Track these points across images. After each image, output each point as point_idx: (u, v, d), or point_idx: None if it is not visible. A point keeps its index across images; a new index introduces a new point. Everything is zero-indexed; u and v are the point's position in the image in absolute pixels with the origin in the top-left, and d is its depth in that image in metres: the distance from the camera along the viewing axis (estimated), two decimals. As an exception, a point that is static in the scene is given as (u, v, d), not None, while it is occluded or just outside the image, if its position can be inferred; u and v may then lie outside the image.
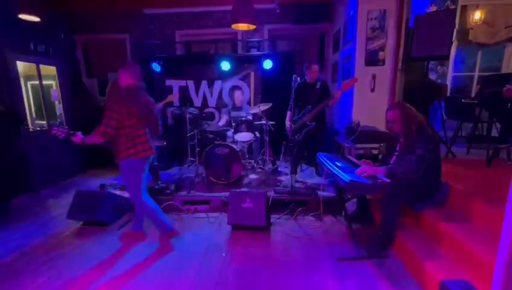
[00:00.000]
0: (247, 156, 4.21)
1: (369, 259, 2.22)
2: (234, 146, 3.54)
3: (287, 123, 3.60)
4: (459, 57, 4.65)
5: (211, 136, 4.02)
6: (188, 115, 4.14)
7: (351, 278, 2.02)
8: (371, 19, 3.61)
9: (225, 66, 4.55)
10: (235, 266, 2.21)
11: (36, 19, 3.20)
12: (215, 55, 4.77)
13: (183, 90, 4.96)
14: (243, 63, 4.83)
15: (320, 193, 3.09)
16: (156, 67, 4.58)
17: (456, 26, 3.72)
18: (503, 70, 4.50)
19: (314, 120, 3.40)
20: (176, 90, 4.98)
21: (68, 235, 2.76)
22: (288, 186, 3.23)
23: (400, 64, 3.61)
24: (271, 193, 3.10)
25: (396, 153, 2.42)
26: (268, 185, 3.46)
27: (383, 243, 2.27)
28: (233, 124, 4.03)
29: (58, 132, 2.22)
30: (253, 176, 3.84)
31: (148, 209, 2.44)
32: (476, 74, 4.68)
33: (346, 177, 2.05)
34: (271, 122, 3.90)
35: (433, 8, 4.17)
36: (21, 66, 4.04)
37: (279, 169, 4.13)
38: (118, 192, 3.25)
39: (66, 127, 2.28)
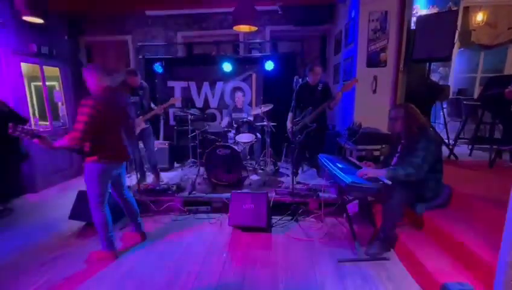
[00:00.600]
0: (248, 157, 4.21)
1: (370, 260, 2.21)
2: (235, 147, 3.55)
3: (288, 125, 3.60)
4: (462, 58, 4.64)
5: (213, 137, 4.03)
6: (189, 116, 4.16)
7: (351, 279, 2.01)
8: (373, 20, 3.61)
9: (227, 67, 4.57)
10: (236, 266, 2.21)
11: (40, 20, 3.22)
12: (217, 57, 4.79)
13: (185, 92, 4.99)
14: (244, 64, 4.85)
15: (321, 194, 3.09)
16: (158, 68, 4.60)
17: (458, 28, 3.71)
18: (506, 72, 4.48)
19: (315, 121, 3.39)
20: (177, 92, 5.00)
21: (70, 236, 2.77)
22: (290, 187, 3.22)
23: (401, 65, 3.61)
24: (272, 194, 3.10)
25: (397, 155, 2.42)
26: (269, 186, 3.45)
27: (384, 245, 2.26)
28: (235, 125, 4.04)
29: (17, 132, 1.90)
30: (254, 177, 3.84)
31: (101, 221, 2.24)
32: (479, 75, 4.66)
33: (347, 178, 2.05)
34: (272, 124, 3.90)
35: (434, 10, 4.16)
36: (25, 67, 4.08)
37: (280, 170, 4.13)
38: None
39: (33, 129, 2.04)
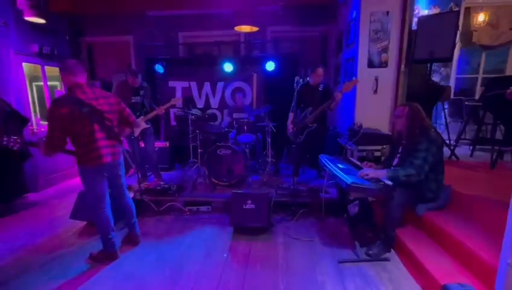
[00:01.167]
0: (249, 157, 4.21)
1: (370, 261, 2.21)
2: (236, 147, 3.55)
3: (289, 125, 3.60)
4: (463, 59, 4.63)
5: (213, 137, 4.03)
6: (190, 116, 4.17)
7: (352, 280, 2.01)
8: (374, 20, 3.60)
9: (228, 67, 4.57)
10: (237, 267, 2.21)
11: (42, 21, 3.24)
12: (218, 57, 4.79)
13: (186, 92, 4.99)
14: (245, 64, 4.85)
15: (322, 194, 3.08)
16: (159, 68, 4.61)
17: (460, 28, 3.71)
18: (508, 73, 4.47)
19: (315, 122, 3.39)
20: (178, 92, 5.01)
21: (71, 236, 2.78)
22: (290, 188, 3.22)
23: (402, 66, 3.60)
24: (273, 195, 3.10)
25: (398, 156, 2.41)
26: (270, 187, 3.45)
27: (384, 245, 2.26)
28: (236, 126, 4.04)
29: (10, 142, 1.90)
30: (255, 178, 3.84)
31: (100, 222, 2.23)
32: (480, 76, 4.65)
33: (348, 179, 2.05)
34: (273, 124, 3.90)
35: (436, 10, 4.16)
36: (26, 67, 4.10)
37: (281, 171, 4.12)
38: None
39: (18, 138, 1.99)
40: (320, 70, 3.38)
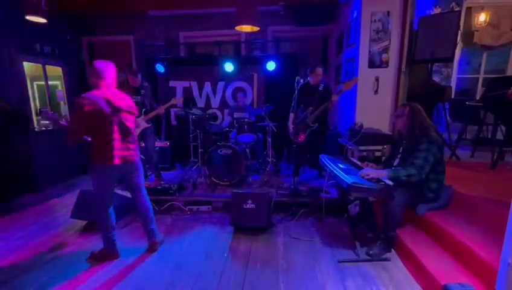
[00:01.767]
0: (249, 157, 4.21)
1: (370, 261, 2.21)
2: (237, 147, 3.55)
3: (290, 125, 3.60)
4: (464, 59, 4.62)
5: (214, 137, 4.03)
6: (191, 116, 4.17)
7: (352, 280, 2.01)
8: (375, 20, 3.60)
9: (228, 67, 4.57)
10: (237, 266, 2.21)
11: (43, 20, 3.24)
12: (219, 57, 4.80)
13: (187, 91, 5.00)
14: (246, 64, 4.85)
15: (322, 194, 3.08)
16: (160, 68, 4.62)
17: (461, 28, 3.70)
18: (509, 73, 4.46)
19: (316, 121, 3.39)
20: (179, 91, 5.01)
21: (71, 235, 2.78)
22: (291, 187, 3.23)
23: (403, 66, 3.60)
24: (273, 194, 3.10)
25: (399, 156, 2.41)
26: (270, 187, 3.46)
27: (384, 245, 2.26)
28: (236, 125, 4.05)
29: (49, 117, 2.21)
30: (255, 177, 3.84)
31: (102, 221, 2.25)
32: (481, 76, 4.64)
33: (348, 179, 2.05)
34: (274, 124, 3.90)
35: (437, 10, 4.15)
36: (27, 66, 4.10)
37: (281, 170, 4.13)
38: (120, 192, 3.27)
39: (55, 115, 2.25)
40: (319, 70, 3.38)
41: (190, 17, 5.40)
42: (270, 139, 3.93)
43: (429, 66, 3.45)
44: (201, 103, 5.03)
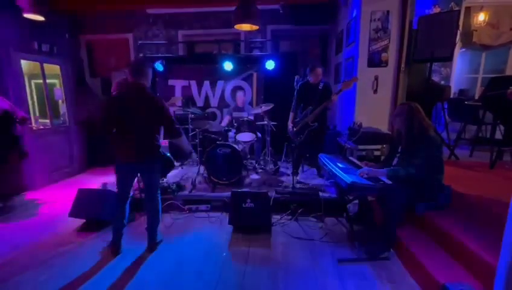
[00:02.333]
0: (248, 156, 4.21)
1: (369, 260, 2.21)
2: (236, 146, 3.55)
3: (289, 125, 3.59)
4: (463, 58, 4.62)
5: (213, 136, 4.02)
6: (190, 115, 4.16)
7: (351, 279, 2.01)
8: (374, 20, 3.60)
9: (228, 66, 4.56)
10: (236, 265, 2.21)
11: (41, 18, 3.22)
12: (218, 56, 4.78)
13: (186, 90, 4.98)
14: (245, 63, 4.84)
15: (321, 194, 3.08)
16: (159, 67, 4.60)
17: (460, 28, 3.70)
18: (508, 72, 4.46)
19: (316, 120, 3.39)
20: (178, 90, 5.00)
21: (70, 234, 2.77)
22: (290, 187, 3.22)
23: (402, 65, 3.60)
24: (272, 194, 3.10)
25: (398, 155, 2.41)
26: (269, 186, 3.45)
27: (384, 245, 2.26)
28: (235, 124, 4.04)
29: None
30: (254, 177, 3.83)
31: (114, 214, 2.38)
32: (480, 75, 4.65)
33: (347, 178, 2.05)
34: (273, 123, 3.90)
35: (436, 10, 4.15)
36: (25, 64, 4.07)
37: (280, 170, 4.12)
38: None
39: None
40: (318, 70, 3.37)
41: (189, 16, 5.39)
42: (269, 139, 3.92)
43: (428, 65, 3.45)
44: (200, 102, 5.02)
